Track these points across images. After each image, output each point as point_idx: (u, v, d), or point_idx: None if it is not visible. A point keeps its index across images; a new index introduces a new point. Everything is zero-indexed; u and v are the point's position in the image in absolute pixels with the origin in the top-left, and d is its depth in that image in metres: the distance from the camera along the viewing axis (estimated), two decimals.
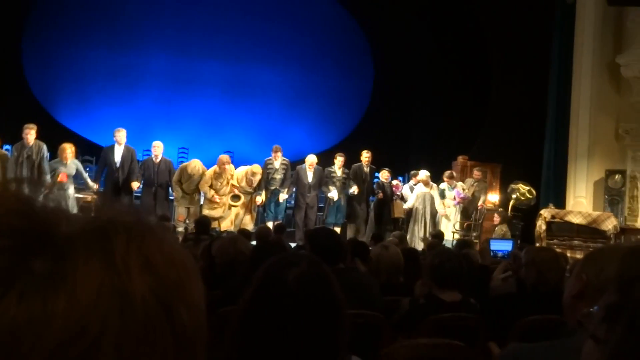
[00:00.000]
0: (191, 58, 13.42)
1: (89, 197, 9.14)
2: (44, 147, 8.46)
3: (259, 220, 9.46)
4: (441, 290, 2.83)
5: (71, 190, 8.49)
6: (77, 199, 8.81)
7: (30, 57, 13.11)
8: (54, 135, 8.90)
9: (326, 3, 14.16)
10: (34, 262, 0.42)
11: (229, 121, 13.49)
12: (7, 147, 10.50)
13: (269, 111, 13.78)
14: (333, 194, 9.34)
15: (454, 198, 9.54)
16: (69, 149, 8.62)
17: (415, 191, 9.56)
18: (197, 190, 9.25)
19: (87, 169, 9.66)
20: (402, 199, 9.64)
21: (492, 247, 5.37)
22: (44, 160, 8.40)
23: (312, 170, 9.44)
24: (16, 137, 10.58)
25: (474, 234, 9.32)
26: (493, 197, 10.21)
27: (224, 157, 9.29)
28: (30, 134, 8.33)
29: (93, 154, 9.82)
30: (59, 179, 8.52)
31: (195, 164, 9.19)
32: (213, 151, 9.95)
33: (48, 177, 8.32)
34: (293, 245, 6.94)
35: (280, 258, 1.22)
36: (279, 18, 13.77)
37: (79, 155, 9.36)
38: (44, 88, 13.14)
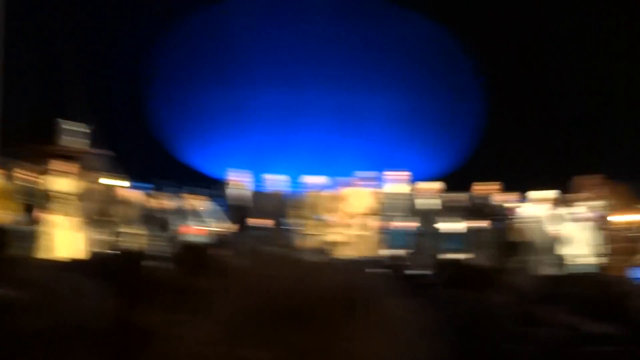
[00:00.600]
0: (300, 89, 13.75)
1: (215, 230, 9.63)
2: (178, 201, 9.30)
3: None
4: None
5: None
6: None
7: (155, 97, 14.01)
8: (175, 173, 9.60)
9: (428, 25, 14.13)
10: None
11: (339, 148, 13.62)
12: (138, 184, 11.30)
13: (379, 136, 13.80)
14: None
15: (580, 218, 9.10)
16: (195, 201, 9.44)
17: (540, 212, 9.28)
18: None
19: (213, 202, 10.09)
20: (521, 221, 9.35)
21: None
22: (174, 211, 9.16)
23: (435, 196, 9.35)
24: (140, 175, 11.28)
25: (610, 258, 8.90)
26: (626, 217, 9.58)
27: (341, 179, 9.53)
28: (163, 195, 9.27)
29: (214, 188, 10.23)
30: (185, 230, 9.09)
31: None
32: (325, 179, 10.06)
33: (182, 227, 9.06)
34: None
35: None
36: (380, 43, 13.87)
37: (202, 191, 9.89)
38: (167, 127, 13.95)
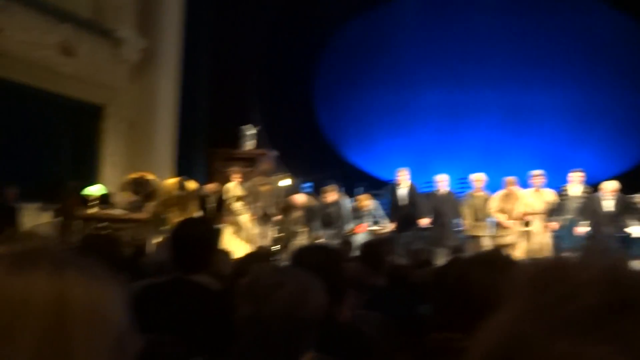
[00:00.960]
0: (466, 88, 13.62)
1: (382, 229, 9.87)
2: (346, 200, 9.57)
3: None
4: None
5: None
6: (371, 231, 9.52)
7: (322, 95, 14.55)
8: (343, 174, 9.92)
9: (606, 13, 13.30)
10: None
11: (507, 148, 13.31)
12: (307, 185, 11.94)
13: (551, 135, 13.31)
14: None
15: None
16: (365, 201, 9.56)
17: None
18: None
19: (379, 202, 10.31)
20: None
21: None
22: (342, 210, 9.39)
23: (614, 197, 8.75)
24: (310, 174, 11.93)
25: None
26: None
27: (511, 178, 9.12)
28: (332, 194, 9.44)
29: (379, 187, 10.40)
30: (356, 230, 9.31)
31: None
32: (493, 179, 9.85)
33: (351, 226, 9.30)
34: None
35: None
36: (553, 37, 13.36)
37: (369, 190, 10.15)
38: (332, 125, 14.48)
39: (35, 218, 8.81)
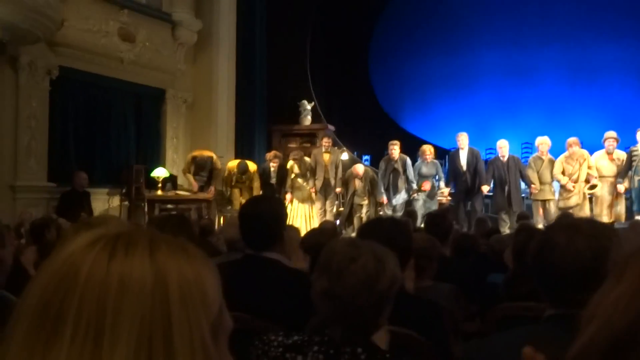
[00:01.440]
0: (526, 47, 13.24)
1: (443, 200, 9.72)
2: (408, 160, 9.49)
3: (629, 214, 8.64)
4: None
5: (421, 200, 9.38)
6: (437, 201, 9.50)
7: (377, 66, 14.54)
8: (398, 140, 9.78)
9: None
10: None
11: (573, 108, 12.91)
12: (366, 157, 12.17)
13: (618, 91, 12.79)
14: None
15: None
16: (428, 150, 9.46)
17: None
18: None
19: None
20: None
21: None
22: (408, 170, 9.38)
23: None
24: (368, 146, 12.06)
25: None
26: None
27: (573, 139, 8.89)
28: (395, 150, 9.45)
29: (437, 156, 10.30)
30: (422, 187, 9.32)
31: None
32: (558, 141, 9.63)
33: (414, 186, 9.35)
34: None
35: None
36: None
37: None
38: (387, 95, 14.49)
39: (105, 202, 9.13)
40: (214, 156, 9.73)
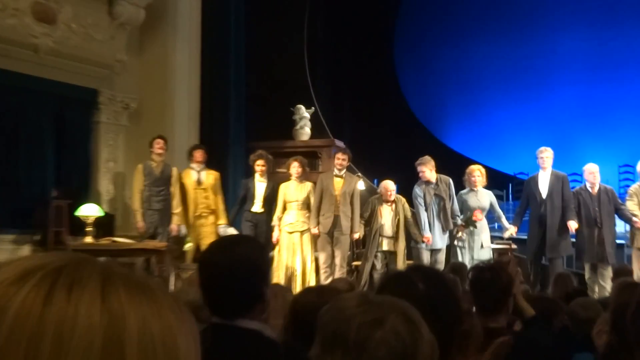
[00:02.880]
0: (621, 30, 13.69)
1: (506, 247, 9.88)
2: (451, 183, 9.93)
3: None
4: None
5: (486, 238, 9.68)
6: (492, 250, 9.82)
7: (405, 58, 15.54)
8: (440, 158, 10.19)
9: None
10: None
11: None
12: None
13: None
14: None
15: None
16: (478, 172, 9.87)
17: None
18: None
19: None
20: None
21: None
22: (453, 198, 9.85)
23: None
24: (393, 170, 12.13)
25: None
26: None
27: None
28: (427, 169, 9.88)
29: (492, 185, 10.47)
30: (474, 217, 9.60)
31: None
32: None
33: (459, 220, 9.79)
34: None
35: None
36: None
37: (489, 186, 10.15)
38: (421, 99, 15.41)
39: (10, 253, 9.06)
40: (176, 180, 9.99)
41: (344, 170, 10.12)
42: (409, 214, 9.89)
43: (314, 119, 12.33)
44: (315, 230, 9.94)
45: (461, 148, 14.75)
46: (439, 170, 9.94)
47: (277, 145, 12.13)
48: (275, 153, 11.72)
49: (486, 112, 14.84)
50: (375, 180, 12.60)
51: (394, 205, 9.91)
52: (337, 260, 9.95)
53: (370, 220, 9.95)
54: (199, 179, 10.30)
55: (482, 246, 9.67)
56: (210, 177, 10.38)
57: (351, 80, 14.67)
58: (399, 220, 9.85)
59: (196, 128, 11.41)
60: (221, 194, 10.43)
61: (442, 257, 9.76)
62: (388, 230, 9.88)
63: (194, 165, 10.30)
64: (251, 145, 11.78)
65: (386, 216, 9.89)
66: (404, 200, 10.00)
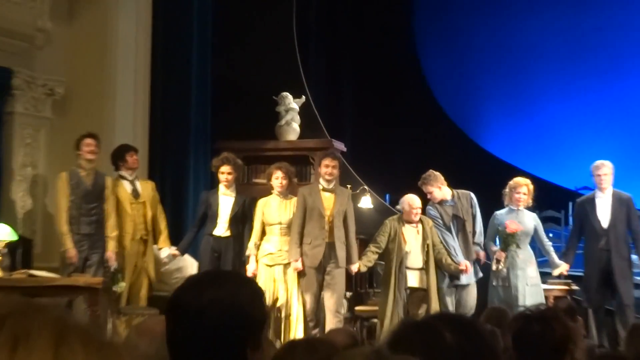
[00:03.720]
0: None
1: (563, 287, 10.36)
2: (473, 197, 10.28)
3: None
4: None
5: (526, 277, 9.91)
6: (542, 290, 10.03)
7: (429, 37, 16.01)
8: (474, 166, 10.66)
9: None
10: None
11: None
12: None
13: None
14: None
15: None
16: (524, 187, 10.06)
17: None
18: None
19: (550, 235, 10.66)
20: None
21: None
22: (477, 216, 10.22)
23: None
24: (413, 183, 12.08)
25: None
26: None
27: None
28: (435, 186, 10.05)
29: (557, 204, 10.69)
30: (507, 228, 9.79)
31: None
32: None
33: (480, 231, 10.16)
34: None
35: None
36: None
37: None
38: (450, 88, 15.84)
39: None
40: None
41: (334, 181, 10.12)
42: (437, 239, 9.94)
43: (304, 112, 12.34)
44: (297, 265, 9.81)
45: (502, 152, 14.97)
46: (471, 181, 10.32)
47: (254, 146, 12.17)
48: (251, 157, 11.86)
49: (537, 104, 15.09)
50: (387, 196, 12.81)
51: (420, 227, 9.95)
52: (330, 304, 9.85)
53: (387, 248, 9.91)
54: (135, 190, 10.25)
55: (527, 284, 9.77)
56: (147, 187, 10.41)
57: (355, 61, 14.86)
58: (428, 245, 9.87)
59: (144, 123, 11.44)
60: (162, 209, 10.49)
61: (470, 297, 9.93)
62: (416, 259, 9.88)
63: (125, 173, 10.21)
64: (219, 146, 11.74)
65: (412, 241, 9.89)
66: (430, 222, 10.07)
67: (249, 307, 2.53)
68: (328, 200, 9.95)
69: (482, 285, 10.00)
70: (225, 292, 2.53)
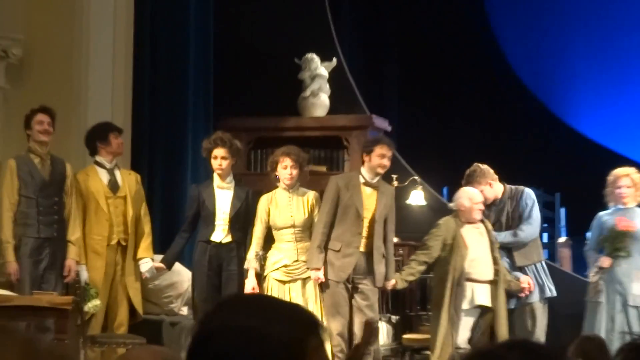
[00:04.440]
0: None
1: None
2: (526, 191, 10.50)
3: None
4: None
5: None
6: None
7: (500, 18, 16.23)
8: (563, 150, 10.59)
9: None
10: None
11: None
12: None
13: None
14: None
15: None
16: (627, 179, 10.10)
17: None
18: None
19: None
20: None
21: None
22: (525, 211, 10.35)
23: None
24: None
25: None
26: None
27: None
28: (488, 184, 10.30)
29: None
30: (617, 226, 9.92)
31: None
32: None
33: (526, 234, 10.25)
34: None
35: None
36: None
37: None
38: (531, 56, 16.22)
39: None
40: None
41: (381, 173, 9.98)
42: (497, 244, 10.07)
43: (336, 80, 12.24)
44: (317, 274, 9.67)
45: (598, 134, 15.00)
46: (557, 170, 10.57)
47: (270, 125, 12.21)
48: (266, 139, 11.86)
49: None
50: (445, 190, 12.63)
51: (482, 227, 9.93)
52: (357, 330, 9.73)
53: (440, 257, 9.86)
54: (114, 181, 10.03)
55: (630, 304, 9.80)
56: (129, 179, 10.25)
57: (403, 14, 14.81)
58: (494, 251, 9.93)
59: (126, 95, 11.37)
60: (147, 208, 10.34)
61: (539, 320, 9.90)
62: (485, 269, 9.77)
63: (103, 159, 9.99)
64: (225, 125, 11.68)
65: (476, 246, 9.78)
66: (488, 222, 10.28)
67: (295, 349, 2.43)
68: (369, 198, 9.78)
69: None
70: (269, 324, 2.42)
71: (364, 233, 9.69)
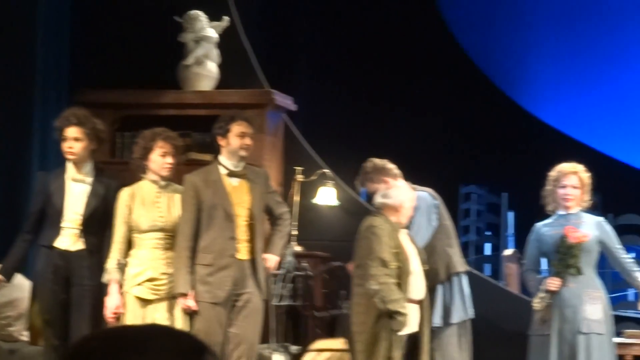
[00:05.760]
0: None
1: None
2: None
3: None
4: None
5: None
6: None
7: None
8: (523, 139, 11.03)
9: None
10: None
11: None
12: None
13: None
14: None
15: None
16: (574, 176, 10.28)
17: None
18: None
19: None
20: None
21: None
22: None
23: None
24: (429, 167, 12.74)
25: None
26: None
27: None
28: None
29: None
30: (566, 236, 9.90)
31: None
32: None
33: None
34: None
35: None
36: None
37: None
38: (473, 26, 16.80)
39: None
40: None
41: (245, 155, 10.19)
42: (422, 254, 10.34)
43: (228, 46, 12.34)
44: (186, 302, 9.64)
45: (563, 124, 15.38)
46: (512, 160, 11.26)
47: (142, 99, 12.35)
48: (136, 118, 11.72)
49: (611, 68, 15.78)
50: (364, 191, 12.33)
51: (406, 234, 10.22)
52: (240, 351, 9.81)
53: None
54: None
55: (582, 331, 9.86)
56: None
57: None
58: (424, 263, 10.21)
59: None
60: None
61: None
62: (419, 287, 9.82)
63: None
64: (84, 98, 11.78)
65: (413, 258, 9.88)
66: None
67: None
68: (238, 191, 9.89)
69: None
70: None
71: (240, 236, 9.73)
